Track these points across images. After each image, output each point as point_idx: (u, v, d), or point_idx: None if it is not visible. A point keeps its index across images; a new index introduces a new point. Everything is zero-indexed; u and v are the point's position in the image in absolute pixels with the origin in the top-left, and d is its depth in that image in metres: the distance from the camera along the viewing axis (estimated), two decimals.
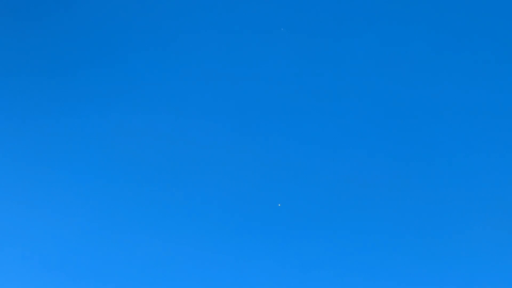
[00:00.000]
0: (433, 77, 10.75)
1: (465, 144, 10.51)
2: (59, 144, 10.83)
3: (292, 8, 11.05)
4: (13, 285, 10.33)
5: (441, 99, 10.67)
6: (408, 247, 10.26)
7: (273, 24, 11.03)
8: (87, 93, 10.98)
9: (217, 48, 11.01)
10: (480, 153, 10.46)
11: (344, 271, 10.23)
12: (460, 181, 10.40)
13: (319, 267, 10.27)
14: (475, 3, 10.80)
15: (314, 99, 10.82)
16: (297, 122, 10.77)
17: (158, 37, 11.10)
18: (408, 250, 10.26)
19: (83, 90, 11.01)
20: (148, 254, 10.41)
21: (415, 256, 10.23)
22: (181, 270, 10.34)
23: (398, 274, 10.20)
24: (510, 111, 10.53)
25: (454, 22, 10.82)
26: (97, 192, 10.63)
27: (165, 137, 10.79)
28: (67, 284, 10.37)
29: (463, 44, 10.77)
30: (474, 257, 10.15)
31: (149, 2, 11.18)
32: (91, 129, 10.83)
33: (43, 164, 10.77)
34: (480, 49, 10.71)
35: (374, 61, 10.84)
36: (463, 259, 10.15)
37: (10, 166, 10.75)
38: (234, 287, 10.26)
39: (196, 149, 10.74)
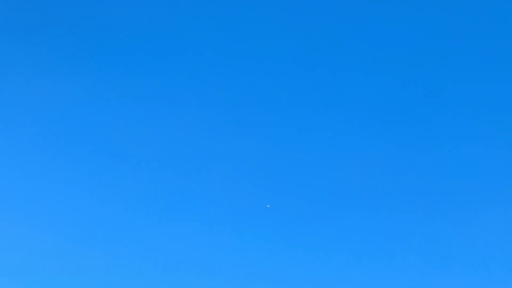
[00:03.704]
0: (433, 77, 10.79)
1: (465, 144, 10.55)
2: (60, 139, 10.90)
3: (294, 7, 11.13)
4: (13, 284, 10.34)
5: (442, 99, 10.71)
6: (407, 249, 10.30)
7: (275, 22, 11.10)
8: (87, 89, 11.04)
9: (218, 45, 11.07)
10: (481, 153, 10.50)
11: (341, 272, 10.25)
12: (460, 180, 10.45)
13: (316, 267, 10.30)
14: (475, 3, 10.87)
15: (313, 97, 10.88)
16: (296, 121, 10.82)
17: (158, 34, 11.16)
18: (406, 252, 10.29)
19: (83, 87, 11.06)
20: (143, 251, 10.45)
21: (414, 258, 10.26)
22: (178, 267, 10.37)
23: (398, 275, 10.22)
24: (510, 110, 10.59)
25: (453, 22, 10.88)
26: (96, 188, 10.68)
27: (163, 134, 10.85)
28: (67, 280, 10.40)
29: (462, 43, 10.83)
30: (474, 257, 10.17)
31: (150, 2, 11.28)
32: (90, 126, 10.88)
33: (42, 159, 10.82)
34: (479, 48, 10.78)
35: (375, 60, 10.90)
36: (463, 259, 10.19)
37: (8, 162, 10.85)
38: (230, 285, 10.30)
39: (194, 146, 10.78)
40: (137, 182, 10.67)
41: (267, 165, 10.65)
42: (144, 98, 11.00)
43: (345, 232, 10.33)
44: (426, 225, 10.25)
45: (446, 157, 10.51)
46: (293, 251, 10.33)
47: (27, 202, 10.62)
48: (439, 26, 10.87)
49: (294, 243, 10.35)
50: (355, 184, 10.49)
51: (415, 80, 10.79)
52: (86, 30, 11.20)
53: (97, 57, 11.16)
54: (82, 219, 10.54)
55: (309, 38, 11.01)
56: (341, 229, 10.34)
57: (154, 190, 10.62)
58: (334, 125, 10.73)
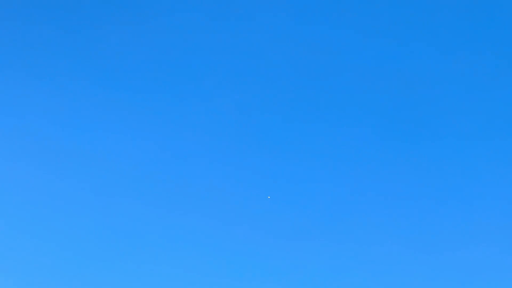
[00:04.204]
0: (433, 79, 10.81)
1: (466, 145, 10.57)
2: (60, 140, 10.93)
3: (295, 8, 11.15)
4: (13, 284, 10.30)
5: (442, 101, 10.73)
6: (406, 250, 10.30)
7: (276, 23, 11.12)
8: (84, 93, 11.07)
9: (217, 45, 11.11)
10: (481, 154, 10.52)
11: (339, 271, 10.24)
12: (459, 181, 10.46)
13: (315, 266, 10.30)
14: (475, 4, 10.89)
15: (313, 99, 10.90)
16: (295, 121, 10.85)
17: (159, 35, 11.21)
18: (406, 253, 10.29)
19: (81, 92, 11.09)
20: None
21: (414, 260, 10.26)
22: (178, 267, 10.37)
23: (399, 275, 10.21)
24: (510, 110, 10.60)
25: (454, 23, 10.90)
26: (95, 190, 10.69)
27: (163, 134, 10.88)
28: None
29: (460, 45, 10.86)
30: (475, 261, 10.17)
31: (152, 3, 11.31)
32: (89, 127, 10.92)
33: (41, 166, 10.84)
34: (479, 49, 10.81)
35: (375, 62, 10.92)
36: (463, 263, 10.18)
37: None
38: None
39: (194, 142, 10.81)
40: (136, 180, 10.73)
41: (268, 162, 10.71)
42: (144, 98, 11.05)
43: (344, 229, 10.35)
44: (425, 227, 10.26)
45: (445, 158, 10.55)
46: (293, 244, 10.35)
47: (26, 203, 10.66)
48: (439, 32, 10.92)
49: (294, 236, 10.37)
50: (354, 183, 10.54)
51: (415, 84, 10.83)
52: (85, 30, 11.25)
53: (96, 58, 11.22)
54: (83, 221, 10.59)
55: (310, 40, 11.05)
56: (340, 227, 10.36)
57: (151, 191, 10.65)
58: (335, 124, 10.76)
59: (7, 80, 11.09)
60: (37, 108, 10.98)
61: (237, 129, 10.80)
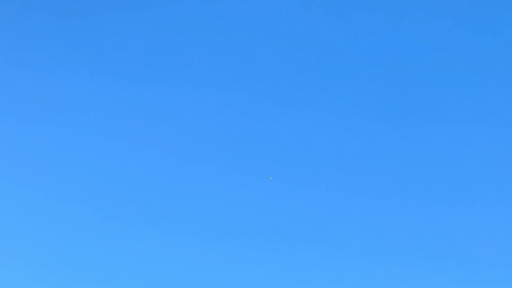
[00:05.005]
0: (433, 78, 10.81)
1: (465, 145, 10.56)
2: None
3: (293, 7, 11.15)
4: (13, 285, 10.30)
5: (442, 101, 10.73)
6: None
7: (275, 23, 11.13)
8: (87, 94, 11.08)
9: (218, 47, 11.11)
10: (481, 154, 10.51)
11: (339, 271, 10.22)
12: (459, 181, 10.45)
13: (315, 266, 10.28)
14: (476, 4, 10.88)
15: (312, 99, 10.90)
16: (296, 121, 10.85)
17: (159, 38, 11.21)
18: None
19: (83, 92, 11.10)
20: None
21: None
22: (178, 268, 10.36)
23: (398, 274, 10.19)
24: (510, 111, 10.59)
25: (454, 22, 10.90)
26: (96, 191, 10.67)
27: (163, 135, 10.89)
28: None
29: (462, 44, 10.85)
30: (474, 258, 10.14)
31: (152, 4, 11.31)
32: (89, 126, 10.91)
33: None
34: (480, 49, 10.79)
35: (374, 61, 10.91)
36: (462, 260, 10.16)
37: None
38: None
39: (198, 146, 10.82)
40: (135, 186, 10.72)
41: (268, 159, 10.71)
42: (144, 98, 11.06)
43: (343, 225, 10.36)
44: (423, 229, 10.26)
45: (443, 160, 10.55)
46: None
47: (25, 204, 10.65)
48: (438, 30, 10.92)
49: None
50: (354, 183, 10.53)
51: (413, 83, 10.83)
52: (85, 31, 11.26)
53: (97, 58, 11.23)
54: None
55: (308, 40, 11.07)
56: (338, 223, 10.37)
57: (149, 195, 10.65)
58: (340, 125, 10.78)
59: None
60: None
61: (236, 122, 10.86)
